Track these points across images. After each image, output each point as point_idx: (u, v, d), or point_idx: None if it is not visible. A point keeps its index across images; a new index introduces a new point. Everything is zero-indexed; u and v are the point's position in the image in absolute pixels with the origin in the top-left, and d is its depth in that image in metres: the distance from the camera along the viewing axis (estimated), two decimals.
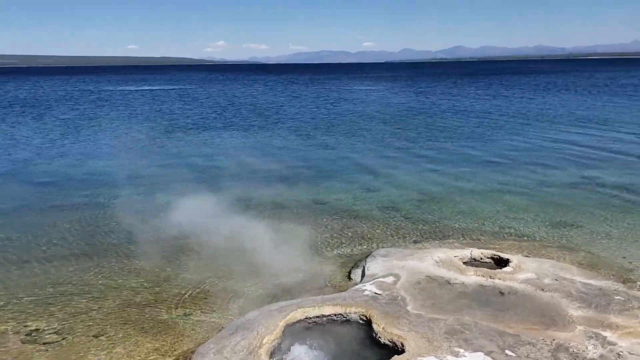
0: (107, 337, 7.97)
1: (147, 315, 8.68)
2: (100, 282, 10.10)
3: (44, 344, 7.79)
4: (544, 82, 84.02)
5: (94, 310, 8.89)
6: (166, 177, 18.60)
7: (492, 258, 10.18)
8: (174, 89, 79.68)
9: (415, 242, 11.88)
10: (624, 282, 9.10)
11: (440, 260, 9.75)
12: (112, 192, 16.83)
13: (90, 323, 8.42)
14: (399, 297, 8.22)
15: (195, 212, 13.17)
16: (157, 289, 9.73)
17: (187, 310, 8.86)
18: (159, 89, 79.43)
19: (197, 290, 9.64)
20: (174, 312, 8.78)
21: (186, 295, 9.41)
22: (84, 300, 9.27)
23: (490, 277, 8.96)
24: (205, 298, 9.29)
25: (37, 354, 7.53)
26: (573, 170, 18.89)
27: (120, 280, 10.14)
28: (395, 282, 8.82)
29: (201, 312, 8.78)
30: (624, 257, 10.56)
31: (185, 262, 10.97)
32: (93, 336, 8.00)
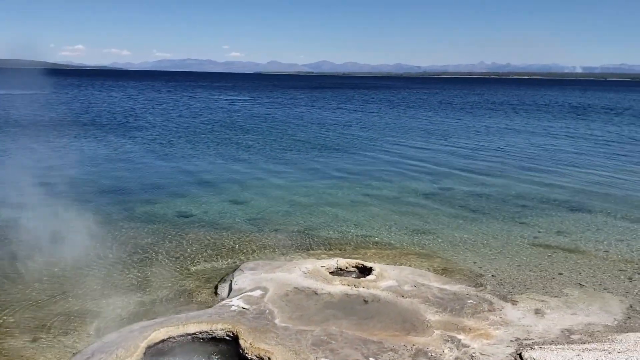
0: None
1: None
2: None
3: None
4: (399, 98, 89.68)
5: None
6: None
7: (357, 267, 10.50)
8: (23, 94, 72.82)
9: (283, 253, 11.87)
10: (475, 286, 9.83)
11: (308, 271, 9.84)
12: None
13: None
14: (267, 311, 8.15)
15: (40, 227, 12.07)
16: None
17: (36, 334, 8.00)
18: (4, 94, 72.11)
19: (46, 311, 8.77)
20: (19, 338, 7.88)
21: (33, 318, 8.52)
22: None
23: (355, 286, 9.21)
24: (56, 320, 8.47)
25: None
26: (425, 181, 20.20)
27: None
28: (263, 296, 8.73)
29: (52, 336, 7.99)
30: (474, 262, 11.42)
31: (28, 281, 9.94)
32: None
